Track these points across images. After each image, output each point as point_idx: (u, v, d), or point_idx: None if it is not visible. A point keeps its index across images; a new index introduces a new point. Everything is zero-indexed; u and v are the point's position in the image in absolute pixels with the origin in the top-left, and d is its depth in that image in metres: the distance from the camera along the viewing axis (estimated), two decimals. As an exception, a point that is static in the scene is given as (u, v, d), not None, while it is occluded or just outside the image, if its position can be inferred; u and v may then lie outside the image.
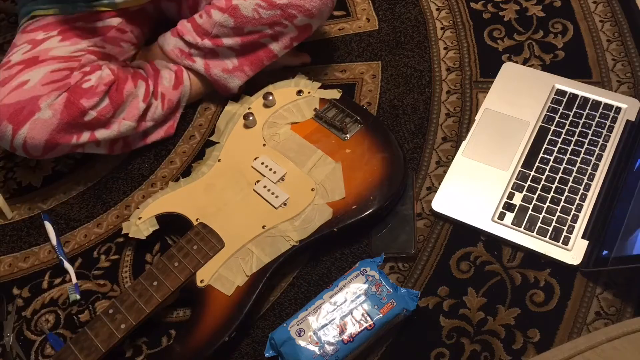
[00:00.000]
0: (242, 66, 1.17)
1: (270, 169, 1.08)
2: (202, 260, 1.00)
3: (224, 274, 0.99)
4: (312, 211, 1.03)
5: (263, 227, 1.03)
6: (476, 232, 1.04)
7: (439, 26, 1.30)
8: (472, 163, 1.10)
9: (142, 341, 1.02)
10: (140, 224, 1.06)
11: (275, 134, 1.13)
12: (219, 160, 1.12)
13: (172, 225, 1.08)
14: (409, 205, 1.07)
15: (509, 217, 1.03)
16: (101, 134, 1.11)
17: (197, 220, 1.05)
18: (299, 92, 1.17)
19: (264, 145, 1.12)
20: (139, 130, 1.16)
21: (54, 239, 1.12)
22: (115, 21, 1.16)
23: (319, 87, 1.18)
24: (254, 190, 1.07)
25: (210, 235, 1.03)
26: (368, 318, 0.92)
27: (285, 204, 1.04)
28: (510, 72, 1.19)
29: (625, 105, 1.11)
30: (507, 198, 1.05)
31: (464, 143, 1.12)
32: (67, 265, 1.09)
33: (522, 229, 1.02)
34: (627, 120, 1.10)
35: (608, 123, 1.10)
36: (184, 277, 0.99)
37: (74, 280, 1.08)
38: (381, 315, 0.92)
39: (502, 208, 1.04)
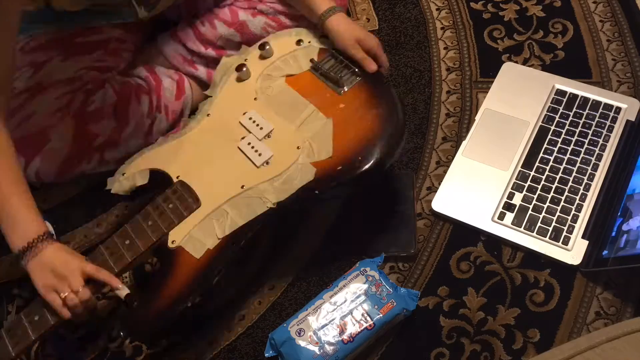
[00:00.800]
0: None
1: (257, 125, 1.02)
2: (176, 220, 0.96)
3: (195, 236, 0.94)
4: (295, 171, 0.96)
5: (242, 187, 0.97)
6: (476, 232, 1.04)
7: (439, 26, 1.30)
8: (472, 163, 1.10)
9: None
10: (123, 179, 1.01)
11: (268, 87, 1.06)
12: (207, 115, 1.06)
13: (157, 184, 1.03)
14: (409, 205, 1.07)
15: (509, 217, 1.03)
16: (110, 155, 1.11)
17: (177, 177, 1.00)
18: (299, 41, 1.10)
19: (255, 99, 1.05)
20: (146, 145, 1.15)
21: (53, 239, 1.12)
22: (116, 32, 1.15)
23: (321, 36, 1.10)
24: (238, 147, 1.01)
25: (188, 194, 0.98)
26: (368, 318, 0.92)
27: (267, 163, 0.98)
28: (510, 72, 1.19)
29: (625, 105, 1.11)
30: (507, 198, 1.05)
31: (464, 143, 1.12)
32: (67, 265, 1.09)
33: (522, 229, 1.02)
34: (627, 120, 1.10)
35: (608, 123, 1.10)
36: (155, 237, 0.94)
37: (74, 280, 1.08)
38: (381, 315, 0.92)
39: (502, 208, 1.04)
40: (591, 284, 0.97)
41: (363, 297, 0.94)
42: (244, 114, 1.04)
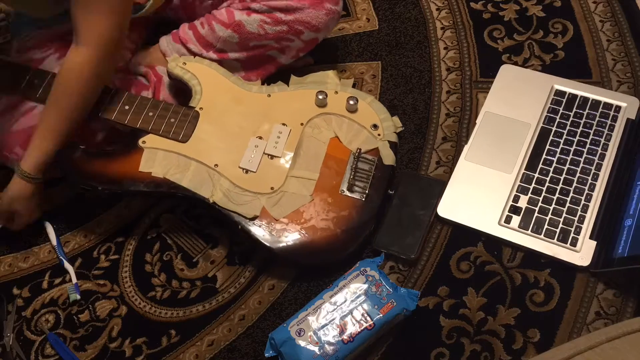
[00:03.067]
0: (249, 76, 1.16)
1: (276, 142, 1.06)
2: (163, 132, 1.06)
3: (158, 155, 1.04)
4: (246, 197, 1.02)
5: (215, 165, 1.04)
6: (480, 235, 1.03)
7: (439, 26, 1.30)
8: (475, 167, 1.09)
9: (142, 341, 1.02)
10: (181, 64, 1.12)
11: (317, 128, 1.09)
12: (268, 95, 1.11)
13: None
14: (428, 212, 1.05)
15: (516, 220, 1.02)
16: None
17: (200, 109, 1.08)
18: (375, 126, 1.10)
19: (301, 124, 1.09)
20: None
21: (54, 239, 1.12)
22: None
23: (390, 139, 1.09)
24: (250, 137, 1.07)
25: (189, 127, 1.06)
26: (368, 318, 0.92)
27: (246, 172, 1.04)
28: (509, 74, 1.19)
29: (625, 104, 1.11)
30: (513, 201, 1.04)
31: (466, 147, 1.11)
32: (67, 265, 1.09)
33: (529, 231, 1.01)
34: (628, 119, 1.10)
35: (609, 122, 1.09)
36: (141, 126, 1.06)
37: (74, 280, 1.08)
38: (381, 315, 0.92)
39: (509, 211, 1.03)
40: (591, 284, 0.97)
41: (363, 297, 0.94)
42: (283, 124, 1.08)
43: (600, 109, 1.11)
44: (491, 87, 1.18)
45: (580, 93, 1.13)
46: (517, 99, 1.15)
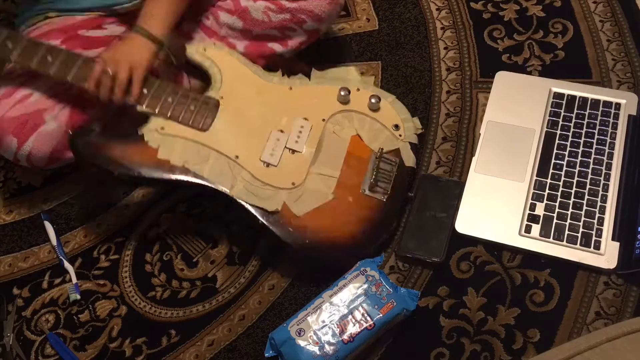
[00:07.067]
0: None
1: (298, 137, 1.04)
2: (181, 119, 1.03)
3: (175, 144, 1.02)
4: (267, 192, 1.00)
5: (236, 156, 1.02)
6: (503, 248, 1.01)
7: (439, 26, 1.30)
8: (486, 178, 1.07)
9: (142, 341, 1.02)
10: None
11: (338, 125, 1.07)
12: (290, 88, 1.10)
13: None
14: (449, 214, 1.04)
15: (536, 229, 1.01)
16: None
17: (221, 98, 1.06)
18: (396, 126, 1.09)
19: (323, 120, 1.08)
20: None
21: (54, 239, 1.12)
22: (119, 30, 1.16)
23: (411, 141, 1.08)
24: (271, 130, 1.05)
25: (209, 116, 1.04)
26: (368, 318, 0.92)
27: (267, 165, 1.02)
28: (505, 81, 1.18)
29: (624, 101, 1.10)
30: (530, 209, 1.02)
31: (474, 159, 1.09)
32: (67, 265, 1.09)
33: (551, 239, 0.99)
34: (629, 115, 1.09)
35: (611, 120, 1.09)
36: (157, 110, 1.04)
37: (74, 280, 1.08)
38: (381, 315, 0.92)
39: (527, 220, 1.01)
40: (591, 284, 0.97)
41: (363, 297, 0.94)
42: (304, 119, 1.06)
43: (600, 108, 1.10)
44: (489, 95, 1.16)
45: (578, 94, 1.13)
46: (518, 105, 1.13)
